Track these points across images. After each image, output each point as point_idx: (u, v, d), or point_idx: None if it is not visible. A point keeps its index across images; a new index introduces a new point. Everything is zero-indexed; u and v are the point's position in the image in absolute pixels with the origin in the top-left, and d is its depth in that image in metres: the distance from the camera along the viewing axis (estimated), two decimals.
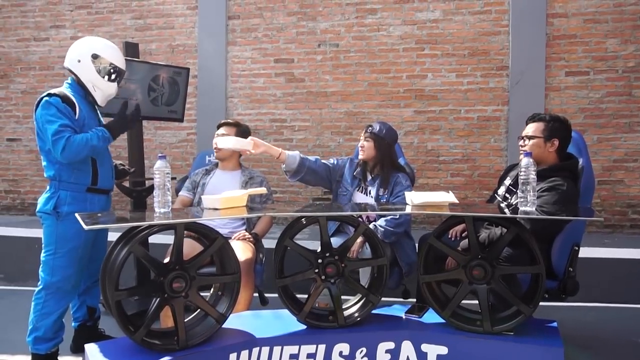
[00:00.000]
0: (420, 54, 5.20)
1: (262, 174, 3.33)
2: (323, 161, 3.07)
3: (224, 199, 2.50)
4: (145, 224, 2.25)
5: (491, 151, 5.11)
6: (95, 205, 2.61)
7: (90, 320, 2.83)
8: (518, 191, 2.36)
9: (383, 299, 2.51)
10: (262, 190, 2.79)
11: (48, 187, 2.55)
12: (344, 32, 5.34)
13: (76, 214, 2.23)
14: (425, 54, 5.19)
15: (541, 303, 2.36)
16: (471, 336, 2.34)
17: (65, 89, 2.54)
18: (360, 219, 2.57)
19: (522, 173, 2.30)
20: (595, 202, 4.65)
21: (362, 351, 2.37)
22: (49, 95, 2.45)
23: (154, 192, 2.34)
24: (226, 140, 2.89)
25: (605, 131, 4.89)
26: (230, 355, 2.22)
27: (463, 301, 2.42)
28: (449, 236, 2.88)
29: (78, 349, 2.74)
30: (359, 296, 2.56)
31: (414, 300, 2.84)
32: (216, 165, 3.26)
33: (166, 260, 2.43)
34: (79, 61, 2.55)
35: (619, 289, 3.76)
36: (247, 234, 3.00)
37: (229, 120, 3.27)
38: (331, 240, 2.47)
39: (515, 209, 2.43)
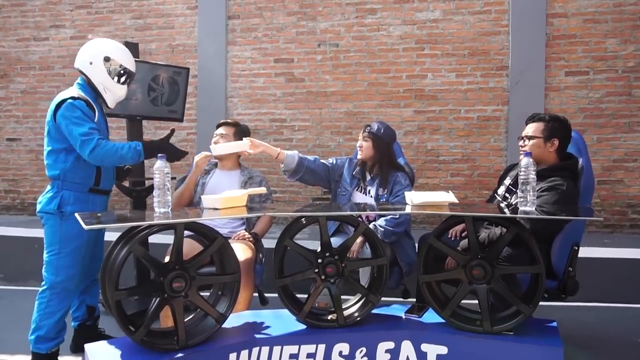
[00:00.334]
0: (420, 54, 5.20)
1: (261, 173, 3.33)
2: (322, 161, 3.07)
3: (223, 199, 2.50)
4: (145, 223, 2.25)
5: (491, 151, 5.11)
6: (96, 205, 2.61)
7: (90, 319, 2.83)
8: (518, 191, 2.36)
9: (383, 298, 2.51)
10: (262, 190, 2.79)
11: (50, 187, 2.55)
12: (343, 32, 5.34)
13: (76, 214, 2.24)
14: (425, 54, 5.19)
15: (541, 303, 2.36)
16: (471, 336, 2.34)
17: (79, 91, 2.54)
18: (360, 218, 2.58)
19: (522, 173, 2.30)
20: (595, 202, 4.65)
21: (361, 351, 2.37)
22: (73, 98, 2.46)
23: (153, 192, 2.34)
24: (220, 148, 2.87)
25: (605, 131, 4.89)
26: (230, 355, 2.22)
27: (463, 301, 2.42)
28: (449, 236, 2.88)
29: (78, 349, 2.74)
30: (358, 296, 2.56)
31: (414, 300, 2.84)
32: (215, 165, 3.25)
33: (166, 260, 2.44)
34: (91, 63, 2.56)
35: (618, 289, 3.76)
36: (246, 233, 2.99)
37: (228, 120, 3.27)
38: (331, 240, 2.47)
39: (515, 209, 2.43)
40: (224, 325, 2.32)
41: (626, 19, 4.83)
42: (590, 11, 4.89)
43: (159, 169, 2.30)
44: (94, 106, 2.53)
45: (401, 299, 3.06)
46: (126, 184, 3.39)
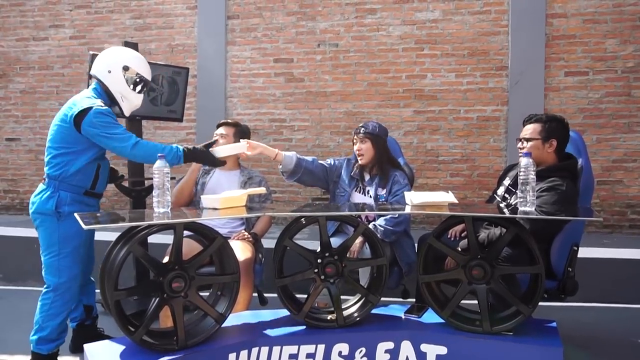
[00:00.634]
0: (419, 54, 5.20)
1: (261, 173, 3.33)
2: (320, 162, 3.06)
3: (223, 199, 2.50)
4: (145, 223, 2.25)
5: (490, 151, 5.11)
6: (90, 207, 2.61)
7: (89, 318, 2.83)
8: (517, 191, 2.36)
9: (382, 299, 2.51)
10: (262, 190, 2.79)
11: (45, 187, 2.53)
12: (343, 32, 5.34)
13: (75, 214, 2.24)
14: (424, 54, 5.19)
15: (540, 303, 2.36)
16: (470, 336, 2.34)
17: (95, 99, 2.53)
18: (359, 218, 2.57)
19: (521, 173, 2.30)
20: (595, 202, 4.65)
21: (361, 351, 2.37)
22: (99, 106, 2.46)
23: (153, 192, 2.34)
24: (217, 150, 2.87)
25: (605, 131, 4.89)
26: (229, 355, 2.22)
27: (462, 301, 2.42)
28: (449, 236, 2.88)
29: (77, 349, 2.74)
30: (358, 296, 2.56)
31: (414, 300, 2.84)
32: None
33: (165, 260, 2.43)
34: (110, 72, 2.57)
35: (618, 289, 3.76)
36: (246, 233, 2.99)
37: (228, 120, 3.27)
38: (330, 240, 2.47)
39: (514, 209, 2.43)
40: (223, 326, 2.32)
41: (626, 20, 4.83)
42: (590, 11, 4.89)
43: (158, 169, 2.30)
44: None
45: (401, 299, 3.06)
46: (126, 184, 3.39)
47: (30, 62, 5.97)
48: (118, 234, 2.30)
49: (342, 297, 2.44)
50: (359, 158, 3.01)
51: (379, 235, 2.70)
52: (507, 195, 2.74)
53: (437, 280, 2.48)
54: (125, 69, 2.57)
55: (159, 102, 3.46)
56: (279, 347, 2.30)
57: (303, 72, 5.42)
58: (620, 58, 4.85)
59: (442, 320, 2.42)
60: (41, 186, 2.55)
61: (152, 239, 2.48)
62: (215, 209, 2.46)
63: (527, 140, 2.67)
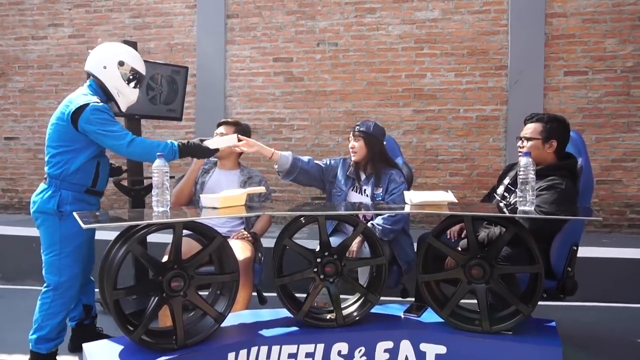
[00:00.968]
0: (419, 53, 5.20)
1: (260, 173, 3.33)
2: (316, 162, 3.06)
3: (222, 198, 2.50)
4: (144, 222, 2.25)
5: (490, 151, 5.11)
6: (92, 205, 2.61)
7: (88, 318, 2.83)
8: (517, 190, 2.36)
9: (382, 298, 2.51)
10: (261, 189, 2.79)
11: (46, 186, 2.52)
12: (343, 31, 5.33)
13: (74, 213, 2.23)
14: (424, 53, 5.19)
15: (540, 303, 2.37)
16: (470, 335, 2.34)
17: (91, 95, 2.52)
18: (357, 217, 2.57)
19: (521, 172, 2.30)
20: (594, 202, 4.65)
21: (360, 350, 2.37)
22: (96, 102, 2.45)
23: (152, 191, 2.34)
24: (209, 144, 2.86)
25: (604, 131, 4.89)
26: (228, 355, 2.21)
27: (462, 300, 2.42)
28: (448, 237, 2.88)
29: (76, 348, 2.73)
30: (357, 295, 2.56)
31: (413, 299, 2.84)
32: (215, 164, 3.25)
33: (165, 259, 2.43)
34: (105, 67, 2.56)
35: (617, 289, 3.76)
36: (245, 233, 2.99)
37: (228, 119, 3.27)
38: (330, 240, 2.47)
39: (514, 209, 2.43)
40: (222, 325, 2.32)
41: (625, 19, 4.83)
42: (589, 11, 4.89)
43: (157, 168, 2.29)
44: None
45: (400, 299, 3.07)
46: (125, 183, 3.38)
47: (29, 61, 5.96)
48: (116, 233, 2.29)
49: (341, 296, 2.44)
50: (352, 154, 3.03)
51: (377, 234, 2.70)
52: (506, 194, 2.74)
53: (437, 279, 2.48)
54: (121, 64, 2.56)
55: (158, 101, 3.45)
56: (278, 347, 2.30)
57: (302, 71, 5.42)
58: (620, 58, 4.85)
59: (442, 320, 2.42)
60: (42, 185, 2.55)
61: (151, 238, 2.47)
62: (215, 208, 2.46)
63: (527, 139, 2.66)
